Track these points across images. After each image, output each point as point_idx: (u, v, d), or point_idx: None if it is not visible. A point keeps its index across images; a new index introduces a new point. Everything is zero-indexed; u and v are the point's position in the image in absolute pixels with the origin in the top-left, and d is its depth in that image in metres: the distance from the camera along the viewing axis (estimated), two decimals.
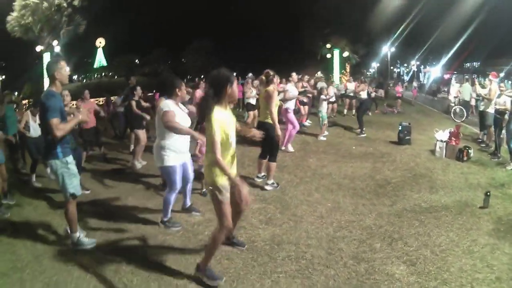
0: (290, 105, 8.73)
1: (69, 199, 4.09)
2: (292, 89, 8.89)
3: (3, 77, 47.74)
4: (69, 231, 4.32)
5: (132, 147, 9.22)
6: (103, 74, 64.17)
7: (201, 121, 3.35)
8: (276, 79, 6.39)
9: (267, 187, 6.12)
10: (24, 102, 10.52)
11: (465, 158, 7.70)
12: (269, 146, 6.10)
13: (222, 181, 3.23)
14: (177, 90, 4.56)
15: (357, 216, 5.01)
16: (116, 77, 58.51)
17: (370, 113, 15.08)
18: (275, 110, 6.01)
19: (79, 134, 8.08)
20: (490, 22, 30.31)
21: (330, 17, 33.81)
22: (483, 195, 5.28)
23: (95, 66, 63.84)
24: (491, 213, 5.03)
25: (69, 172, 4.03)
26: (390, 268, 3.66)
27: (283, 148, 8.64)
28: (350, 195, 5.86)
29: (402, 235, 4.38)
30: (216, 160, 3.11)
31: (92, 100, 9.16)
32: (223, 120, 3.19)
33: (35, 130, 6.99)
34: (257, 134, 4.09)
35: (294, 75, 9.50)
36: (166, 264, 3.82)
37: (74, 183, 4.08)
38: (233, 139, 3.33)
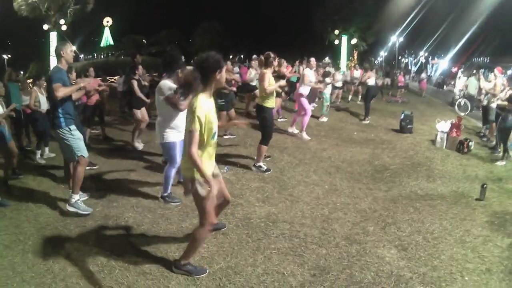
0: (305, 90, 8.59)
1: (78, 160, 4.48)
2: (310, 74, 8.77)
3: (9, 56, 47.60)
4: (70, 191, 4.57)
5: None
6: (109, 53, 63.84)
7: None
8: (278, 62, 6.33)
9: (253, 169, 6.14)
10: (29, 81, 10.53)
11: (465, 150, 7.72)
12: (262, 128, 6.20)
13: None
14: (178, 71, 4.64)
15: (353, 199, 5.09)
16: (123, 56, 58.30)
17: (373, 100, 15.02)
18: (269, 91, 5.98)
19: (82, 111, 8.18)
20: (501, 18, 29.83)
21: (341, 3, 33.52)
22: (480, 188, 5.31)
23: (102, 45, 63.43)
24: (486, 205, 5.06)
25: (74, 138, 4.45)
26: (381, 251, 3.74)
27: (295, 132, 8.72)
28: (347, 178, 5.93)
29: (396, 220, 4.45)
30: (190, 152, 2.88)
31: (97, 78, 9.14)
32: (208, 108, 2.97)
33: (44, 104, 7.16)
34: (238, 123, 3.92)
35: (313, 60, 9.20)
36: (163, 237, 3.93)
37: (80, 146, 4.49)
38: (216, 132, 3.14)
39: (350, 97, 16.05)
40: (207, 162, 3.14)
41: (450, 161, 7.13)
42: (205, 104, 2.95)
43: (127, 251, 3.69)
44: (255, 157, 6.52)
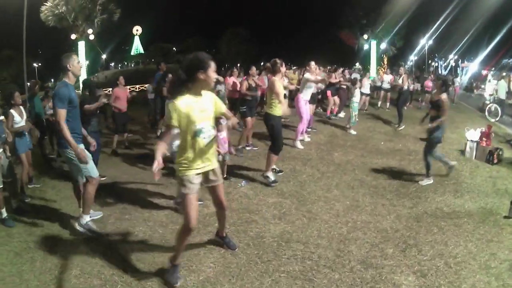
0: (305, 94, 8.41)
1: (87, 180, 4.35)
2: (310, 78, 8.59)
3: (39, 64, 49.46)
4: (81, 210, 4.51)
5: (159, 131, 9.41)
6: (139, 61, 65.43)
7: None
8: (283, 68, 6.18)
9: (264, 179, 6.04)
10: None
11: (495, 161, 7.26)
12: (270, 137, 6.15)
13: (186, 172, 3.11)
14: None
15: (375, 217, 4.82)
16: (151, 64, 59.64)
17: (405, 107, 14.60)
18: (280, 99, 5.81)
19: (111, 117, 8.57)
20: None
21: (369, 7, 33.07)
22: (509, 204, 4.92)
23: (132, 53, 65.15)
24: None
25: None
26: (398, 277, 3.46)
27: (306, 139, 8.66)
28: (370, 193, 5.66)
29: (418, 242, 4.15)
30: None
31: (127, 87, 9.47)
32: (188, 109, 2.97)
33: None
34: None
35: (312, 64, 8.90)
36: (168, 253, 3.79)
37: (88, 167, 4.29)
38: (202, 131, 3.07)
39: (379, 103, 15.61)
40: (196, 162, 3.13)
41: (479, 173, 6.70)
42: (185, 101, 2.97)
43: (132, 267, 3.66)
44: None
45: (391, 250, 3.96)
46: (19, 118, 5.75)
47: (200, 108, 3.03)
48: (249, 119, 7.94)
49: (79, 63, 4.26)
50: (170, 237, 4.18)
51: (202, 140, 3.09)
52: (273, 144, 6.03)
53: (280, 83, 5.97)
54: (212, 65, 3.04)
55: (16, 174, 5.47)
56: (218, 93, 8.05)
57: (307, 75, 8.60)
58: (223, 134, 5.69)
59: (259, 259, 3.74)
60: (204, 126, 3.08)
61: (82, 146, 4.29)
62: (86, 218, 4.43)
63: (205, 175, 3.29)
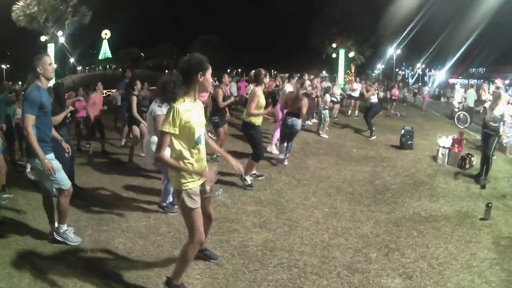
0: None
1: (59, 192, 4.11)
2: (290, 89, 8.71)
3: (8, 66, 47.72)
4: (57, 222, 4.27)
5: (123, 141, 9.36)
6: (107, 66, 64.11)
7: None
8: (267, 79, 6.18)
9: (241, 181, 6.10)
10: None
11: (467, 166, 7.55)
12: (251, 146, 6.18)
13: (192, 184, 2.88)
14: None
15: (354, 223, 4.87)
16: (120, 69, 58.56)
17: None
18: (255, 111, 5.81)
19: (83, 123, 8.24)
20: (497, 28, 30.00)
21: (338, 17, 33.73)
22: (485, 206, 5.12)
23: (100, 57, 63.74)
24: (491, 225, 4.87)
25: None
26: (385, 280, 3.52)
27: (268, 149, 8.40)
28: (348, 200, 5.73)
29: (399, 246, 4.24)
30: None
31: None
32: (189, 113, 2.78)
33: None
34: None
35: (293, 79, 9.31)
36: (154, 266, 3.72)
37: (58, 177, 4.01)
38: (201, 138, 2.92)
39: (349, 111, 15.92)
40: (195, 174, 2.95)
41: (452, 178, 6.95)
42: (185, 107, 2.76)
43: (114, 280, 3.50)
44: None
45: (375, 254, 4.02)
46: None
47: (198, 114, 2.89)
48: (221, 129, 7.79)
49: (51, 65, 3.94)
50: (151, 249, 4.08)
51: (202, 148, 2.97)
52: (254, 152, 6.03)
53: (262, 94, 5.91)
54: (210, 68, 2.91)
55: None
56: (221, 111, 7.87)
57: (287, 87, 8.77)
58: None
59: (245, 268, 3.69)
60: (201, 133, 2.94)
61: (51, 155, 4.01)
62: (64, 227, 4.23)
63: (201, 186, 3.09)
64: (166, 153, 2.78)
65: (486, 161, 6.72)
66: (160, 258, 3.90)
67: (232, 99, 8.51)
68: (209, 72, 2.87)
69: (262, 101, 5.85)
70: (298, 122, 7.39)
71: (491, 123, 6.70)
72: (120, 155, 8.46)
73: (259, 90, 5.87)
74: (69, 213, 5.02)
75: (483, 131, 6.99)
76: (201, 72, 2.79)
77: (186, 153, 2.85)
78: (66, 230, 4.24)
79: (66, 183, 4.11)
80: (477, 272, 3.73)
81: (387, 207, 5.48)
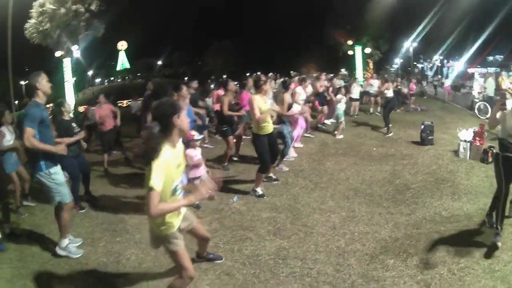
0: (296, 108, 8.16)
1: (59, 206, 4.25)
2: (302, 93, 8.61)
3: (27, 82, 49.16)
4: (59, 234, 4.40)
5: None
6: (126, 77, 65.25)
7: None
8: (267, 86, 5.89)
9: (254, 193, 5.93)
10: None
11: (489, 160, 7.20)
12: (258, 156, 5.93)
13: (170, 230, 2.84)
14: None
15: (372, 227, 4.69)
16: (139, 80, 59.56)
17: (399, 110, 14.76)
18: (261, 117, 5.56)
19: (99, 137, 8.32)
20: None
21: (352, 13, 33.26)
22: (509, 203, 4.84)
23: (118, 68, 64.79)
24: None
25: (54, 182, 4.14)
26: None
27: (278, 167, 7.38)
28: (366, 202, 5.54)
29: (419, 250, 4.03)
30: (152, 215, 2.58)
31: (108, 104, 9.09)
32: (170, 162, 2.69)
33: None
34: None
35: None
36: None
37: (61, 192, 4.21)
38: (178, 189, 2.84)
39: (371, 109, 15.58)
40: (176, 218, 2.90)
41: (475, 174, 6.63)
42: (168, 156, 2.67)
43: None
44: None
45: (392, 260, 3.84)
46: (10, 137, 5.75)
47: (176, 163, 2.79)
48: (230, 138, 7.60)
49: (48, 81, 4.13)
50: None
51: (178, 197, 2.88)
52: (260, 163, 5.87)
53: (261, 100, 5.63)
54: (183, 108, 2.85)
55: (7, 196, 5.41)
56: (229, 119, 7.67)
57: (298, 90, 8.61)
58: (198, 155, 5.39)
59: (256, 278, 3.59)
60: (178, 183, 2.86)
61: (55, 169, 4.17)
62: (65, 242, 4.34)
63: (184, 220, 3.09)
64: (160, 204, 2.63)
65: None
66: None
67: (243, 112, 8.07)
68: (184, 113, 2.80)
69: (263, 106, 5.61)
70: (284, 128, 7.23)
71: None
72: (135, 167, 8.48)
73: (257, 97, 5.62)
74: (84, 225, 5.15)
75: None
76: (176, 115, 2.72)
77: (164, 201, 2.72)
78: (68, 244, 4.35)
79: (68, 197, 4.30)
80: (500, 277, 3.49)
81: (407, 208, 5.26)
